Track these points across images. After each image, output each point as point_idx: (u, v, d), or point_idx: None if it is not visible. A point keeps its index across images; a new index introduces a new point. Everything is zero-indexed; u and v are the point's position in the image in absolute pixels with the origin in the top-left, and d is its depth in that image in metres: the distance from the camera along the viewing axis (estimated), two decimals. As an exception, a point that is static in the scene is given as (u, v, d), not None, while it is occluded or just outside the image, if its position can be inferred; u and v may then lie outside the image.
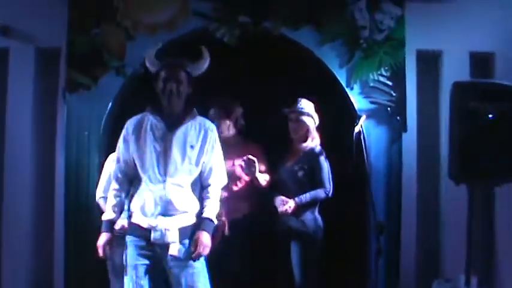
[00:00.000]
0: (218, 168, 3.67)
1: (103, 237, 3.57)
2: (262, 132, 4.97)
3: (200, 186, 3.62)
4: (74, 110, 5.20)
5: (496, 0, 5.26)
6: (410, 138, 5.20)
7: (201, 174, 3.62)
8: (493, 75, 5.27)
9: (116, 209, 3.61)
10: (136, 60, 5.11)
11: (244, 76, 5.29)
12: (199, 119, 3.64)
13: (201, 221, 3.54)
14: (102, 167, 4.82)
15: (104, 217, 3.66)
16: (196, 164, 3.57)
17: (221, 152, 3.72)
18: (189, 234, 3.53)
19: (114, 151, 4.72)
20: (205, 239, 3.50)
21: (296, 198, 4.43)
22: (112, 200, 3.63)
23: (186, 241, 3.51)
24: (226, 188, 3.90)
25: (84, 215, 5.15)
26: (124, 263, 3.55)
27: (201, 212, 3.58)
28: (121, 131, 4.76)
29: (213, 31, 5.19)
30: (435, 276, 5.03)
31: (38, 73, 5.38)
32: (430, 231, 5.29)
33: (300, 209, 4.44)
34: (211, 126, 3.69)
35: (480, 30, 5.25)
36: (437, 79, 5.38)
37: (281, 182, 4.56)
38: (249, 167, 4.28)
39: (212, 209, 3.60)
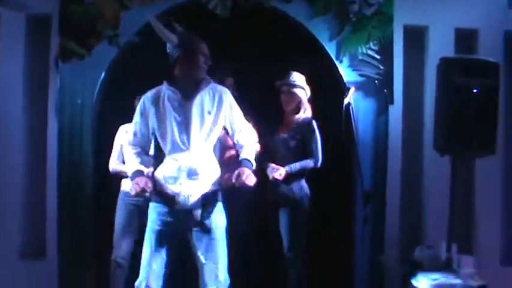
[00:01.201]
0: (244, 125, 3.79)
1: (141, 180, 3.56)
2: (252, 103, 5.05)
3: (222, 149, 3.78)
4: (66, 78, 5.20)
5: (481, -22, 5.42)
6: (396, 111, 5.34)
7: (232, 133, 3.74)
8: (476, 51, 5.42)
9: (140, 161, 3.66)
10: (130, 30, 5.16)
11: (235, 47, 5.33)
12: (212, 84, 3.70)
13: (239, 162, 3.68)
14: (95, 134, 4.90)
15: (131, 169, 3.67)
16: (215, 129, 3.65)
17: (240, 110, 3.80)
18: (212, 200, 3.64)
19: (107, 119, 4.84)
20: (248, 172, 3.60)
21: (286, 167, 4.56)
22: (134, 159, 3.68)
23: (210, 208, 3.62)
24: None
25: (77, 183, 5.20)
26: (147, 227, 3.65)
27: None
28: (114, 100, 4.86)
29: (206, 2, 5.23)
30: (418, 243, 5.21)
31: (29, 41, 5.37)
32: (413, 201, 5.47)
33: (289, 177, 4.58)
34: (224, 89, 3.77)
35: (465, 7, 5.41)
36: (423, 54, 5.51)
37: (273, 151, 4.67)
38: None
39: (249, 152, 3.71)
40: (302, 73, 4.81)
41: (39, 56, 5.37)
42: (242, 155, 3.71)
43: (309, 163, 4.63)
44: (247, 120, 4.57)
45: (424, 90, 5.49)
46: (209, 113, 3.63)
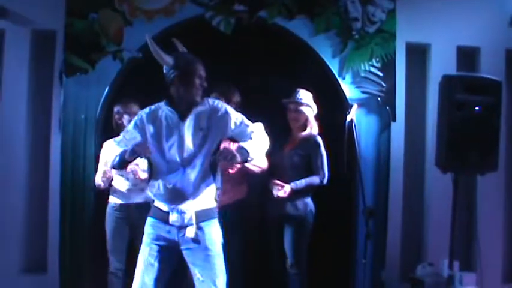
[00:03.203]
0: (246, 122, 3.71)
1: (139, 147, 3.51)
2: (257, 121, 5.07)
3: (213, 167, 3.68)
4: (70, 93, 5.22)
5: (482, -3, 5.48)
6: (398, 128, 5.37)
7: (239, 136, 3.67)
8: (478, 69, 5.49)
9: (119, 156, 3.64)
10: (133, 46, 5.20)
11: (238, 64, 5.37)
12: (206, 102, 3.68)
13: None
14: (98, 150, 4.91)
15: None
16: (207, 145, 3.61)
17: (236, 112, 3.75)
18: (207, 218, 3.63)
19: (111, 135, 4.84)
20: (234, 153, 3.50)
21: (292, 184, 4.56)
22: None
23: (203, 224, 3.60)
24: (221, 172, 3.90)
25: (80, 198, 5.22)
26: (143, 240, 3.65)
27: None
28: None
29: (209, 19, 5.28)
30: (419, 260, 5.25)
31: (34, 55, 5.41)
32: (415, 217, 5.50)
33: (294, 194, 4.58)
34: (216, 101, 3.74)
35: (467, 25, 5.47)
36: (426, 71, 5.58)
37: (278, 167, 4.67)
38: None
39: (252, 145, 3.61)
40: (307, 90, 4.83)
41: (44, 71, 5.41)
42: (242, 144, 3.61)
43: (314, 180, 4.63)
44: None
45: (426, 108, 5.54)
46: (201, 129, 3.61)
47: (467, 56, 5.54)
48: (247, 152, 3.56)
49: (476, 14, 5.45)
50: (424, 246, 5.45)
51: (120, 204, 4.67)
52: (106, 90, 5.26)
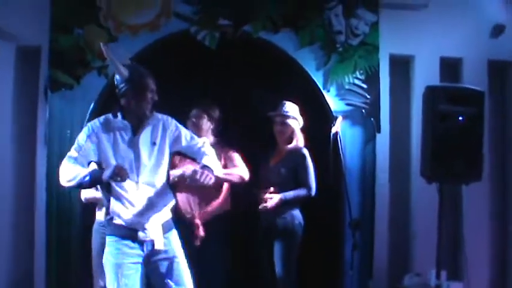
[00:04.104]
0: (195, 139, 3.74)
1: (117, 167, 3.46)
2: (240, 135, 5.11)
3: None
4: (56, 109, 5.21)
5: (465, 9, 5.53)
6: (383, 139, 5.40)
7: (189, 151, 3.70)
8: (461, 80, 5.54)
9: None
10: (118, 61, 5.16)
11: (223, 78, 5.41)
12: (155, 116, 3.67)
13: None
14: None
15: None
16: (163, 159, 3.63)
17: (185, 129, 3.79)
18: (169, 229, 3.65)
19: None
20: (206, 173, 3.55)
21: (281, 195, 4.57)
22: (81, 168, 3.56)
23: (167, 234, 3.62)
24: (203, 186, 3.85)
25: (65, 214, 5.21)
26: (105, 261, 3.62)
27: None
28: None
29: (194, 33, 5.30)
30: (406, 270, 5.27)
31: (19, 71, 5.39)
32: (401, 228, 5.52)
33: (282, 206, 4.58)
34: (167, 117, 3.71)
35: (450, 37, 5.52)
36: (409, 82, 5.62)
37: (265, 180, 4.69)
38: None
39: (211, 161, 3.66)
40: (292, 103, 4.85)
41: (29, 86, 5.38)
42: (204, 161, 3.65)
43: (302, 192, 4.64)
44: (232, 153, 4.65)
45: (411, 118, 5.57)
46: (154, 144, 3.61)
47: (450, 66, 5.59)
48: (212, 170, 3.62)
49: (459, 25, 5.50)
50: (410, 256, 5.46)
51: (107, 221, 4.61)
52: (91, 105, 5.24)
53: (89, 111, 5.23)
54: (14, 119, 5.37)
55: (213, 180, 3.59)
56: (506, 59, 5.67)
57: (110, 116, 3.63)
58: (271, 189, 4.60)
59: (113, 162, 3.52)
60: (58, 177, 5.02)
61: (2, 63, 5.34)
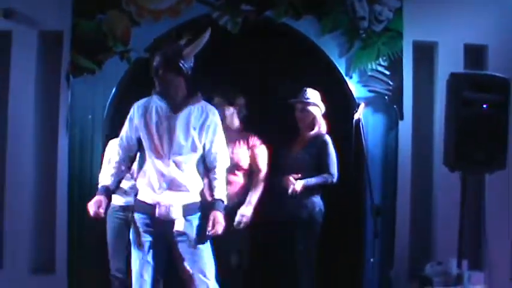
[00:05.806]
0: (221, 150, 3.77)
1: (94, 199, 3.63)
2: (263, 121, 5.08)
3: (204, 168, 3.74)
4: (77, 94, 5.24)
5: (489, -5, 5.46)
6: (406, 126, 5.37)
7: (205, 156, 3.73)
8: (485, 67, 5.47)
9: (113, 177, 3.70)
10: (140, 46, 5.22)
11: (245, 64, 5.37)
12: (203, 103, 3.76)
13: (213, 203, 3.67)
14: (105, 150, 4.91)
15: (100, 182, 3.85)
16: (198, 145, 3.67)
17: (223, 135, 3.82)
18: (193, 211, 3.66)
19: (117, 135, 4.85)
20: (220, 219, 3.64)
21: (304, 181, 4.55)
22: (111, 170, 3.74)
23: (190, 217, 3.64)
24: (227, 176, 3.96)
25: (86, 199, 5.14)
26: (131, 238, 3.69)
27: (211, 194, 3.71)
28: (124, 116, 4.88)
29: (216, 18, 5.28)
30: (428, 258, 5.23)
31: (41, 56, 5.43)
32: (423, 216, 5.49)
33: (304, 192, 4.57)
34: (213, 110, 3.79)
35: (474, 24, 5.45)
36: (433, 69, 5.57)
37: (287, 167, 4.66)
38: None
39: (221, 190, 3.72)
40: (314, 90, 4.82)
41: (51, 72, 5.42)
42: (216, 195, 3.70)
43: (324, 178, 4.63)
44: (256, 139, 4.65)
45: (434, 106, 5.53)
46: (194, 128, 3.66)
47: (474, 53, 5.53)
48: (224, 203, 3.71)
49: (483, 12, 5.44)
50: (432, 244, 5.44)
51: (120, 206, 4.60)
52: (113, 90, 5.26)
53: (111, 96, 5.27)
54: (37, 104, 5.41)
55: (222, 228, 3.65)
56: (531, 47, 5.58)
57: (152, 96, 3.74)
58: (298, 175, 4.57)
59: (145, 140, 3.64)
60: (79, 161, 5.12)
61: (25, 48, 5.37)
